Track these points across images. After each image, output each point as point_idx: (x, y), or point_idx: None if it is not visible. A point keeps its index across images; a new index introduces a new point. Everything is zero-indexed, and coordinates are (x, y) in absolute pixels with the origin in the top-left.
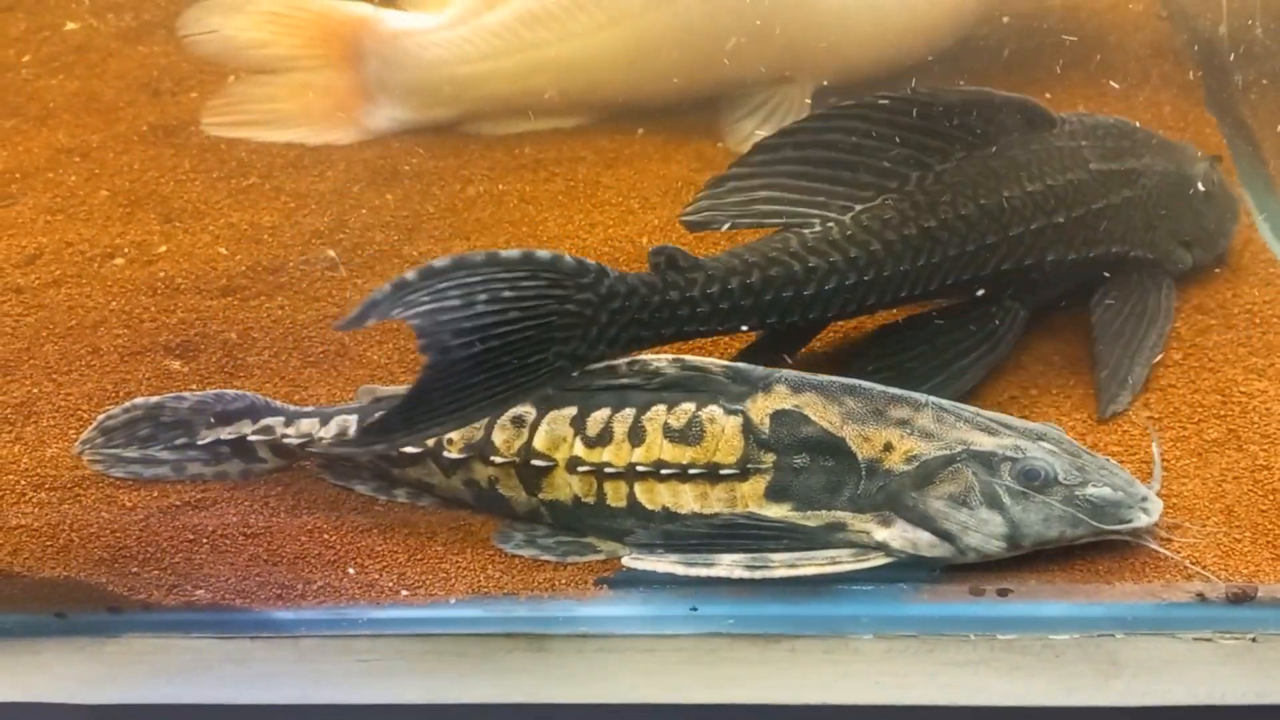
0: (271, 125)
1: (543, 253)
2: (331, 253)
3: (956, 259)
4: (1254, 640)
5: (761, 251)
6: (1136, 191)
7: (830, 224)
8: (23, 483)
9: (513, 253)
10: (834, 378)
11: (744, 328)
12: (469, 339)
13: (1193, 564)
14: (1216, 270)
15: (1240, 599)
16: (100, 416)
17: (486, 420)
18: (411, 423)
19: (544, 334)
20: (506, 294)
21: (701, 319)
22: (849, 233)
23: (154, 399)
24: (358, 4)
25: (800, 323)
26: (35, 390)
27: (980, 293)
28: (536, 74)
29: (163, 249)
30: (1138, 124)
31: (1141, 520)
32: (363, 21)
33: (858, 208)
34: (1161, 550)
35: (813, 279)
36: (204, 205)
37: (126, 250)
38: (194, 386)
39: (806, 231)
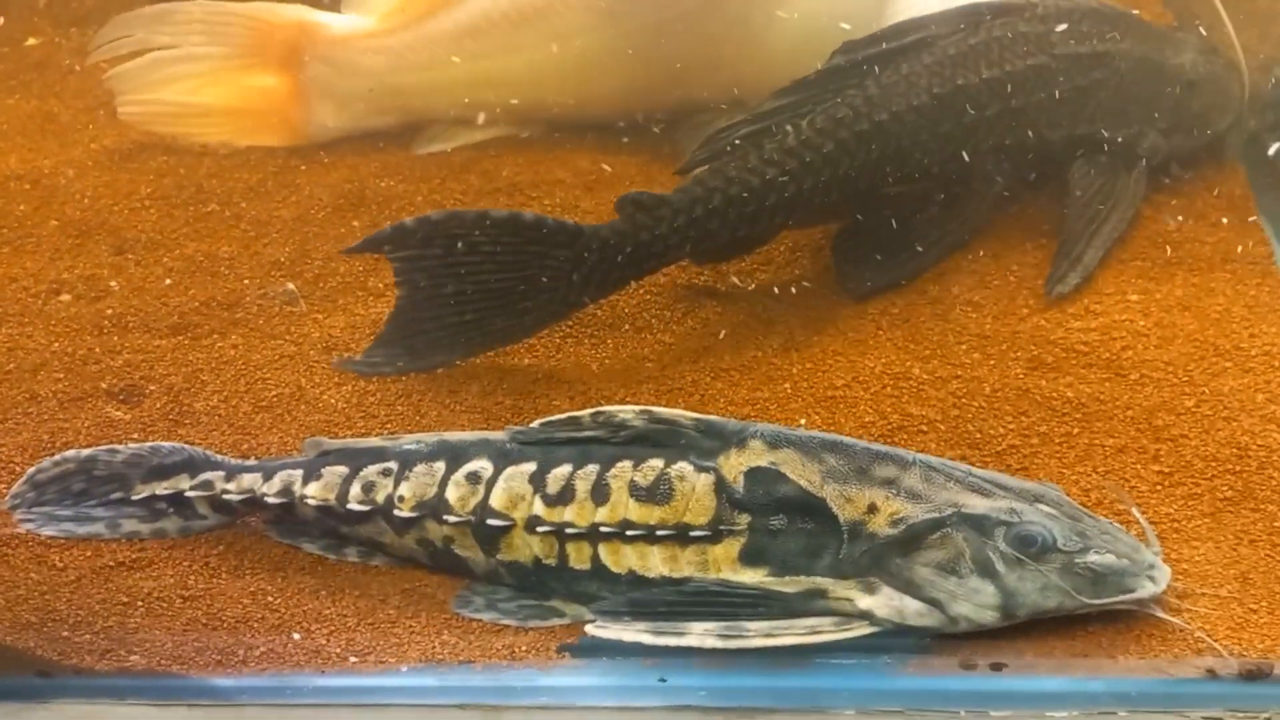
0: (193, 120)
1: (528, 215)
2: (291, 286)
3: (910, 149)
4: None
5: (722, 173)
6: (1106, 75)
7: (788, 130)
8: None
9: (501, 213)
10: (814, 433)
11: (719, 243)
12: (440, 279)
13: (1204, 637)
14: (1233, 309)
15: (1255, 676)
16: (31, 469)
17: (440, 477)
18: (391, 348)
19: (528, 285)
20: (486, 248)
21: (675, 248)
22: (804, 137)
23: (86, 451)
24: (295, 6)
25: (769, 227)
26: None
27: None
28: (480, 87)
29: (113, 284)
30: (1122, 9)
31: (1148, 589)
32: (300, 25)
33: (817, 110)
34: (1170, 619)
35: (772, 190)
36: (159, 235)
37: (74, 285)
38: (136, 436)
39: (766, 142)
